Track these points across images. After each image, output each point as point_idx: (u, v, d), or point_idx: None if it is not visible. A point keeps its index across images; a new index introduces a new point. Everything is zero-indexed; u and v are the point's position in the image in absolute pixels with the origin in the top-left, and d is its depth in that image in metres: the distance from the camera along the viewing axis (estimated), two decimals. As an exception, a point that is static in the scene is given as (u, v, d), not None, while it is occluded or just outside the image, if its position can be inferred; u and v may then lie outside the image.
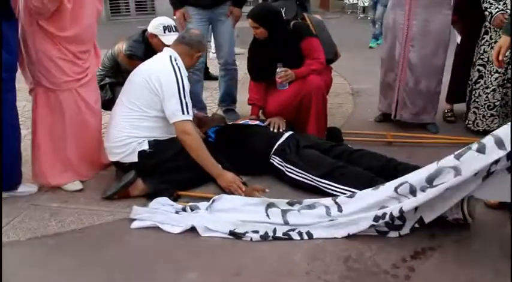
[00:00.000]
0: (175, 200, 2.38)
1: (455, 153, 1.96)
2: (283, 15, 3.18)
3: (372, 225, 2.03)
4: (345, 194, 2.35)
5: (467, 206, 2.02)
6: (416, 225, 2.03)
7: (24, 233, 2.17)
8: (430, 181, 1.94)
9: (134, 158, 2.45)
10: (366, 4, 11.20)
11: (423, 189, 1.96)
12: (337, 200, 2.17)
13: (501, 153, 1.79)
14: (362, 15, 11.56)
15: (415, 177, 2.00)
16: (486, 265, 1.87)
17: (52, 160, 2.51)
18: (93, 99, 2.58)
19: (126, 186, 2.39)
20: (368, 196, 2.12)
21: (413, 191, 1.98)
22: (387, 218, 2.00)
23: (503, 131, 1.85)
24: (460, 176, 1.87)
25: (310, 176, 2.46)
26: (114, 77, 3.15)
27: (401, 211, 1.97)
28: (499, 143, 1.81)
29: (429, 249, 1.97)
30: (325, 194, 2.40)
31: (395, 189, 2.03)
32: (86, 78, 2.49)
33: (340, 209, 2.14)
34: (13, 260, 1.95)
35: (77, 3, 2.35)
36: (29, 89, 2.47)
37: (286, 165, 2.56)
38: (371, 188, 2.15)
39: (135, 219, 2.22)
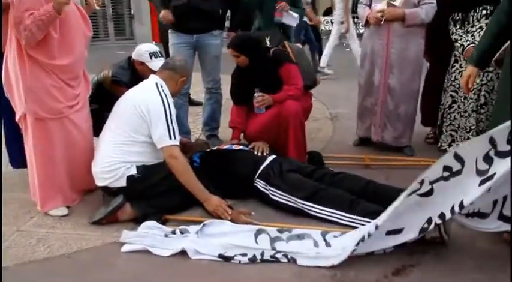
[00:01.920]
0: (163, 223, 2.42)
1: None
2: (268, 43, 3.32)
3: (353, 250, 2.10)
4: (327, 215, 2.45)
5: (443, 225, 2.14)
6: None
7: (11, 260, 2.17)
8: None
9: (122, 183, 2.50)
10: (342, 31, 11.59)
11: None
12: (326, 237, 2.24)
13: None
14: (337, 42, 11.88)
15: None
16: (463, 277, 1.99)
17: (45, 186, 2.54)
18: (85, 125, 2.63)
19: (115, 210, 2.43)
20: (354, 234, 2.20)
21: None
22: (366, 238, 2.08)
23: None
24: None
25: (294, 198, 2.54)
26: (98, 103, 3.19)
27: (376, 227, 2.07)
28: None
29: (409, 266, 2.08)
30: (308, 215, 2.50)
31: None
32: (78, 105, 2.54)
33: (328, 245, 2.21)
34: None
35: (64, 32, 2.42)
36: (18, 118, 2.50)
37: (271, 188, 2.64)
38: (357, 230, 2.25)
39: (124, 243, 2.25)
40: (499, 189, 1.96)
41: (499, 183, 1.90)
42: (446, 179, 2.01)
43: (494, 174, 1.88)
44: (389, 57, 3.36)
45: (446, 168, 2.00)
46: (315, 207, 2.48)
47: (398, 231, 2.11)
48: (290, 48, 3.60)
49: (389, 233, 2.12)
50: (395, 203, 2.07)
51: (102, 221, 2.45)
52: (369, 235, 2.07)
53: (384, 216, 2.09)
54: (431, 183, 2.02)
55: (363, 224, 2.33)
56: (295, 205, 2.54)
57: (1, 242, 2.05)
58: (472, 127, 3.33)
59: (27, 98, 2.40)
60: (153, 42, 11.40)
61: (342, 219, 2.41)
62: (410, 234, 2.08)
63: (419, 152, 3.62)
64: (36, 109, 2.42)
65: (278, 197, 2.60)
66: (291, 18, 3.94)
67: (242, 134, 3.40)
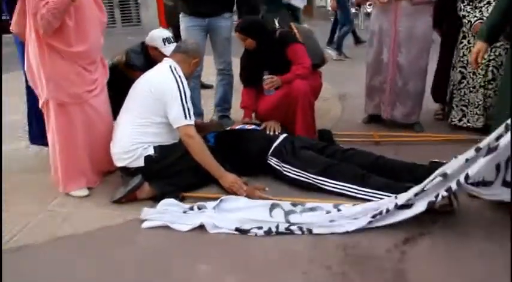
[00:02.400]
0: (181, 200, 2.52)
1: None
2: (277, 25, 3.37)
3: (369, 222, 2.20)
4: (340, 189, 2.53)
5: (453, 193, 2.22)
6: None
7: (39, 237, 2.29)
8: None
9: (140, 163, 2.60)
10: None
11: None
12: (339, 207, 2.33)
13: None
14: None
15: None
16: (471, 246, 2.07)
17: (67, 169, 2.65)
18: (105, 109, 2.74)
19: (134, 189, 2.53)
20: (367, 206, 2.29)
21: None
22: (384, 213, 2.18)
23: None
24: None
25: (307, 174, 2.63)
26: (113, 87, 3.28)
27: (396, 205, 2.16)
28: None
29: (419, 235, 2.16)
30: (321, 190, 2.58)
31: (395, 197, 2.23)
32: (96, 90, 2.64)
33: (339, 211, 2.30)
34: (28, 263, 2.08)
35: (79, 19, 2.48)
36: (41, 104, 2.59)
37: (284, 165, 2.72)
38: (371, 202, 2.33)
39: (144, 220, 2.35)
40: (501, 154, 2.01)
41: (502, 150, 1.97)
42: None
43: (498, 145, 1.96)
44: (397, 35, 3.39)
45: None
46: (328, 182, 2.56)
47: (408, 206, 2.19)
48: (297, 29, 3.64)
49: (400, 207, 2.20)
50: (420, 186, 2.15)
51: (122, 199, 2.55)
52: (388, 211, 2.16)
53: (405, 195, 2.17)
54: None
55: (374, 197, 2.42)
56: (308, 180, 2.62)
57: (1, 241, 2.17)
58: (480, 102, 3.37)
59: (49, 84, 2.49)
60: (160, 27, 11.39)
61: (354, 192, 2.49)
62: (418, 208, 2.16)
63: (428, 128, 3.67)
64: (57, 95, 2.51)
65: (291, 173, 2.68)
66: (298, 0, 3.96)
67: (253, 114, 3.49)
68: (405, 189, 2.33)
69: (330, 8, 7.28)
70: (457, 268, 1.93)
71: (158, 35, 3.11)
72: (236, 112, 3.90)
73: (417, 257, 2.01)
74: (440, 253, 2.04)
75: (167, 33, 3.16)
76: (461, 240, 2.11)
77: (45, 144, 2.83)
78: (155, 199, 2.54)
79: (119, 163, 2.66)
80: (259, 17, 3.70)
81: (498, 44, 3.17)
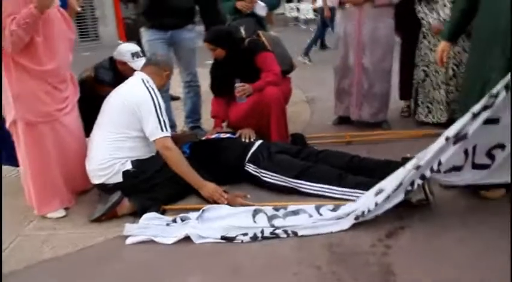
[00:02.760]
0: (162, 214, 2.50)
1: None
2: (244, 33, 3.42)
3: (353, 224, 2.26)
4: (318, 191, 2.58)
5: (428, 187, 2.31)
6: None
7: (20, 262, 2.21)
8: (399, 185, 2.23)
9: (119, 179, 2.57)
10: (308, 17, 11.80)
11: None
12: (320, 211, 2.37)
13: None
14: (304, 27, 12.10)
15: (389, 185, 2.25)
16: (450, 234, 2.16)
17: (41, 190, 2.57)
18: (76, 126, 2.67)
19: (114, 206, 2.49)
20: (348, 207, 2.34)
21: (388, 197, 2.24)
22: (366, 213, 2.25)
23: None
24: None
25: (285, 178, 2.67)
26: (82, 103, 3.23)
27: (376, 204, 2.24)
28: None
29: (400, 229, 2.24)
30: (300, 193, 2.63)
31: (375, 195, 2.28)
32: (67, 109, 2.57)
33: (321, 215, 2.34)
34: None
35: (48, 36, 2.42)
36: (8, 124, 2.51)
37: (261, 170, 2.75)
38: (351, 203, 2.38)
39: (127, 237, 2.32)
40: (468, 140, 2.15)
41: (470, 137, 2.11)
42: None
43: (467, 133, 2.10)
44: (361, 38, 3.51)
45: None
46: (306, 184, 2.61)
47: (386, 197, 2.25)
48: (264, 36, 3.70)
49: (375, 194, 2.28)
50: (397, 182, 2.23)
51: (101, 217, 2.50)
52: (369, 211, 2.23)
53: (384, 193, 2.24)
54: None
55: (352, 195, 2.48)
56: (286, 184, 2.66)
57: (1, 244, 2.09)
58: (443, 98, 3.52)
59: (16, 103, 2.41)
60: (120, 41, 11.28)
61: (333, 193, 2.55)
62: (398, 198, 2.24)
63: (395, 125, 3.82)
64: (26, 114, 2.43)
65: (269, 178, 2.71)
66: (261, 8, 4.03)
67: (225, 123, 3.51)
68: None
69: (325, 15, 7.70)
70: (439, 256, 2.01)
71: (126, 49, 3.09)
72: (206, 121, 3.93)
73: (400, 250, 2.08)
74: (422, 244, 2.12)
75: (135, 47, 3.14)
76: (439, 230, 2.20)
77: (17, 165, 2.74)
78: (136, 214, 2.51)
79: (96, 180, 2.62)
80: (226, 26, 3.73)
81: (457, 42, 3.34)
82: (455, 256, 2.00)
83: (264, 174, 2.75)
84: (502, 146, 2.24)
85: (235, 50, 3.29)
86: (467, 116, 2.10)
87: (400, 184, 2.20)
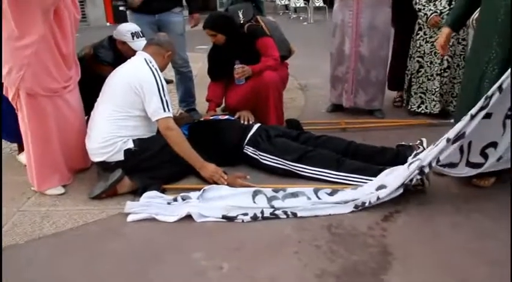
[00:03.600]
0: (162, 193, 2.52)
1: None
2: (242, 17, 3.43)
3: (352, 211, 2.34)
4: (317, 175, 2.64)
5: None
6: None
7: (20, 237, 2.22)
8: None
9: (120, 157, 2.58)
10: (298, 5, 11.78)
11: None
12: (318, 194, 2.43)
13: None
14: (294, 16, 12.09)
15: (393, 183, 2.35)
16: (443, 219, 2.25)
17: (41, 165, 2.56)
18: (78, 105, 2.68)
19: (114, 184, 2.50)
20: (347, 194, 2.41)
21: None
22: (366, 204, 2.34)
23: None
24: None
25: (284, 161, 2.71)
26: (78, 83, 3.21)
27: (378, 198, 2.33)
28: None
29: (396, 213, 2.32)
30: (298, 176, 2.68)
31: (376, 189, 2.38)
32: (70, 87, 2.57)
33: (319, 199, 2.40)
34: (17, 263, 2.01)
35: (62, 19, 2.41)
36: (12, 96, 2.47)
37: (260, 153, 2.79)
38: (350, 188, 2.45)
39: (128, 214, 2.34)
40: (466, 139, 2.24)
41: (467, 136, 2.21)
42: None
43: (464, 133, 2.20)
44: (359, 26, 3.56)
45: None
46: (305, 168, 2.66)
47: (389, 193, 2.34)
48: (263, 21, 3.71)
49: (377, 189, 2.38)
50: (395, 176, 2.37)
51: (102, 195, 2.52)
52: (370, 203, 2.32)
53: (387, 190, 2.34)
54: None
55: (350, 180, 2.57)
56: (285, 167, 2.71)
57: (1, 239, 2.11)
58: (437, 89, 3.60)
59: (25, 74, 2.37)
60: (108, 24, 11.08)
61: (331, 177, 2.61)
62: (398, 192, 2.35)
63: (388, 114, 3.89)
64: (31, 85, 2.40)
65: (268, 161, 2.76)
66: (261, -9, 4.04)
67: (220, 107, 3.55)
68: (379, 171, 2.50)
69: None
70: (433, 239, 2.09)
71: (127, 29, 3.07)
72: (199, 104, 3.95)
73: (397, 232, 2.15)
74: (417, 227, 2.20)
75: (136, 27, 3.11)
76: (434, 215, 2.29)
77: (19, 141, 2.72)
78: (136, 193, 2.54)
79: (97, 158, 2.62)
80: (224, 12, 3.74)
81: (452, 34, 3.41)
82: (449, 240, 2.08)
83: (263, 157, 2.79)
84: (494, 145, 2.33)
85: (235, 35, 3.31)
86: (466, 118, 2.19)
87: (403, 183, 2.32)
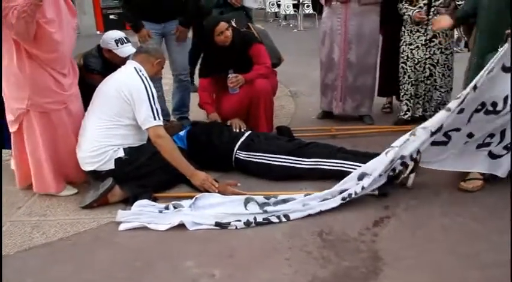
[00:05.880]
0: (154, 201, 2.52)
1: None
2: (235, 26, 3.45)
3: (341, 204, 2.40)
4: (311, 165, 2.73)
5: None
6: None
7: (10, 248, 2.20)
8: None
9: (111, 166, 2.58)
10: (288, 12, 11.87)
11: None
12: (306, 198, 2.45)
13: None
14: (284, 23, 12.18)
15: (374, 170, 2.43)
16: (432, 223, 2.28)
17: (53, 172, 2.63)
18: (80, 114, 2.73)
19: (105, 193, 2.50)
20: (333, 190, 2.46)
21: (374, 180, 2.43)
22: (353, 196, 2.38)
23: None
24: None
25: (279, 156, 2.78)
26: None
27: (362, 188, 2.37)
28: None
29: (386, 218, 2.34)
30: (294, 171, 2.74)
31: (358, 178, 2.45)
32: (74, 94, 2.64)
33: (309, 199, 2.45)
34: (7, 274, 1.98)
35: (58, 27, 2.41)
36: (15, 117, 2.52)
37: (254, 154, 2.84)
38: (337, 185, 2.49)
39: (120, 223, 2.34)
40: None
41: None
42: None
43: (442, 125, 2.36)
44: (347, 34, 3.60)
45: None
46: (300, 160, 2.74)
47: (372, 181, 2.42)
48: (254, 29, 3.74)
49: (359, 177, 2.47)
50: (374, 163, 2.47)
51: (93, 204, 2.51)
52: (356, 193, 2.39)
53: (371, 178, 2.42)
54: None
55: (345, 167, 2.66)
56: (280, 163, 2.76)
57: (1, 236, 2.09)
58: (421, 95, 3.64)
59: (30, 94, 2.43)
60: (98, 32, 11.01)
61: (326, 165, 2.70)
62: (381, 181, 2.46)
63: (378, 120, 3.92)
64: (40, 103, 2.47)
65: (262, 159, 2.80)
66: (251, 1, 4.07)
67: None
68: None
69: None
70: (423, 244, 2.12)
71: (110, 37, 3.07)
72: (191, 113, 3.96)
73: (387, 237, 2.18)
74: (407, 232, 2.22)
75: (119, 33, 3.11)
76: (423, 219, 2.32)
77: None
78: (127, 202, 2.54)
79: (88, 167, 2.62)
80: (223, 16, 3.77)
81: (432, 44, 3.50)
82: (439, 243, 2.11)
83: (257, 157, 2.82)
84: (457, 129, 2.47)
85: (236, 36, 3.32)
86: (443, 112, 2.37)
87: (386, 171, 2.40)
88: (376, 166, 2.44)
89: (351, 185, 2.42)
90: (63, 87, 2.53)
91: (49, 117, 2.53)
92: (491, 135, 2.48)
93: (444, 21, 3.10)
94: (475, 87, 2.29)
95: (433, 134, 2.40)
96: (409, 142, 2.43)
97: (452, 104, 2.36)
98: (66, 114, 2.59)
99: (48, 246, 2.23)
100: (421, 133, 2.42)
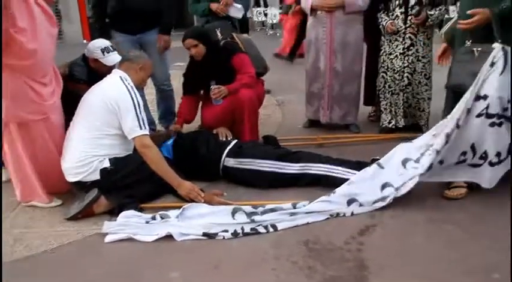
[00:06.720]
0: (140, 212, 2.50)
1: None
2: (220, 35, 3.46)
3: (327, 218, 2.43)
4: (300, 170, 2.76)
5: None
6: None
7: (-10, 262, 2.17)
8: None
9: (96, 176, 2.56)
10: (275, 21, 11.96)
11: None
12: (296, 206, 2.47)
13: None
14: (271, 32, 12.25)
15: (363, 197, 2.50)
16: (418, 230, 2.30)
17: (40, 182, 2.63)
18: (62, 124, 2.71)
19: (91, 204, 2.48)
20: (322, 205, 2.47)
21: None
22: (340, 215, 2.43)
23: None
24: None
25: (268, 161, 2.80)
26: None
27: (352, 213, 2.44)
28: None
29: (371, 226, 2.35)
30: (283, 176, 2.77)
31: (348, 203, 2.49)
32: (56, 103, 2.61)
33: (296, 209, 2.46)
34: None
35: (30, 35, 2.38)
36: None
37: (243, 160, 2.84)
38: (324, 198, 2.50)
39: (106, 235, 2.31)
40: None
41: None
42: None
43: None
44: (332, 43, 3.64)
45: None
46: (288, 165, 2.77)
47: (354, 200, 2.49)
48: (238, 38, 3.76)
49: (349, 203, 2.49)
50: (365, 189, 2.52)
51: (78, 215, 2.48)
52: (344, 215, 2.45)
53: (357, 204, 2.50)
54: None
55: (333, 172, 2.72)
56: (270, 169, 2.78)
57: (1, 235, 2.08)
58: (401, 104, 3.67)
59: (9, 102, 2.39)
60: (84, 41, 10.97)
61: (313, 169, 2.73)
62: (371, 208, 2.48)
63: (364, 129, 3.96)
64: (21, 114, 2.45)
65: (252, 165, 2.81)
66: (236, 10, 4.09)
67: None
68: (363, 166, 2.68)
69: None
70: (409, 251, 2.13)
71: (96, 46, 3.06)
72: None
73: (373, 246, 2.18)
74: (393, 240, 2.23)
75: (105, 42, 3.10)
76: (408, 227, 2.33)
77: None
78: (112, 212, 2.51)
79: (72, 178, 2.60)
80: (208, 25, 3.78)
81: (410, 53, 3.54)
82: (425, 251, 2.12)
83: (246, 163, 2.83)
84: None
85: (214, 49, 3.33)
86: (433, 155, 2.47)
87: (376, 201, 2.47)
88: (364, 189, 2.50)
89: (339, 208, 2.46)
90: (43, 97, 2.50)
91: (28, 129, 2.50)
92: (464, 153, 2.49)
93: (438, 50, 3.08)
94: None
95: (421, 175, 2.47)
96: (397, 173, 2.53)
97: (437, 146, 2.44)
98: (46, 125, 2.56)
99: (32, 258, 2.19)
100: (410, 169, 2.51)
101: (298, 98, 4.91)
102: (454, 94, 2.61)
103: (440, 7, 3.47)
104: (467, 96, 2.39)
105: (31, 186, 2.63)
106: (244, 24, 4.25)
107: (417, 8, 3.43)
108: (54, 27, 2.60)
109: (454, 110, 2.45)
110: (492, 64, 2.34)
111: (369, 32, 3.81)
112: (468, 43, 2.52)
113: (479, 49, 2.47)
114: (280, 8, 10.64)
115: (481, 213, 2.42)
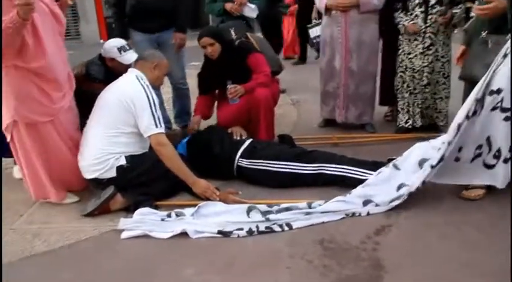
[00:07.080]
0: (155, 209, 2.52)
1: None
2: (234, 35, 3.47)
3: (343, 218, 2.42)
4: (315, 170, 2.74)
5: None
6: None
7: (11, 256, 2.21)
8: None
9: (112, 174, 2.59)
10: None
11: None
12: (311, 206, 2.46)
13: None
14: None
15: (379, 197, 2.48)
16: (434, 232, 2.26)
17: (51, 181, 2.64)
18: (74, 126, 2.74)
19: (107, 201, 2.51)
20: (338, 203, 2.46)
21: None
22: (356, 215, 2.42)
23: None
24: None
25: (282, 162, 2.79)
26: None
27: (368, 213, 2.42)
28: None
29: (387, 226, 2.33)
30: (298, 177, 2.76)
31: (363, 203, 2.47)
32: (66, 105, 2.62)
33: (312, 208, 2.45)
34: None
35: (37, 36, 2.39)
36: (5, 127, 2.51)
37: (257, 161, 2.84)
38: (339, 198, 2.49)
39: (122, 231, 2.34)
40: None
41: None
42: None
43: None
44: (348, 42, 3.62)
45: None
46: (303, 166, 2.75)
47: (370, 201, 2.47)
48: (252, 38, 3.77)
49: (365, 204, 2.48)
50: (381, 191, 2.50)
51: (94, 212, 2.52)
52: (360, 215, 2.42)
53: (374, 205, 2.47)
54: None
55: (349, 172, 2.70)
56: (284, 170, 2.77)
57: (1, 234, 2.09)
58: (419, 104, 3.64)
59: (16, 106, 2.42)
60: (101, 40, 11.11)
61: (329, 170, 2.71)
62: (386, 208, 2.46)
63: (379, 129, 3.92)
64: (27, 115, 2.46)
65: (266, 166, 2.80)
66: (250, 10, 4.09)
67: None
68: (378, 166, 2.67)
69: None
70: (424, 252, 2.10)
71: (112, 45, 3.09)
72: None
73: (389, 246, 2.16)
74: (408, 240, 2.21)
75: (121, 41, 3.14)
76: (424, 228, 2.31)
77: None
78: (128, 210, 2.54)
79: (89, 175, 2.63)
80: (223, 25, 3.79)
81: (430, 52, 3.50)
82: (440, 252, 2.10)
83: (260, 164, 2.82)
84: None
85: (229, 48, 3.34)
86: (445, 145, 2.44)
87: (392, 201, 2.45)
88: (380, 191, 2.48)
89: (355, 207, 2.44)
90: (52, 100, 2.52)
91: (37, 129, 2.52)
92: (479, 147, 2.45)
93: (457, 52, 3.05)
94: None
95: (433, 167, 2.44)
96: (413, 173, 2.50)
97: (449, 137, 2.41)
98: (54, 126, 2.57)
99: (50, 254, 2.23)
100: (427, 168, 2.46)
101: (312, 97, 4.89)
102: (470, 86, 2.58)
103: (460, 5, 3.43)
104: (478, 87, 2.35)
105: (41, 184, 2.65)
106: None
107: (439, 8, 3.39)
108: (61, 27, 2.63)
109: (467, 101, 2.41)
110: (505, 55, 2.29)
111: (385, 31, 3.79)
112: (484, 34, 2.49)
113: (493, 40, 2.45)
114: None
115: (499, 215, 2.37)
